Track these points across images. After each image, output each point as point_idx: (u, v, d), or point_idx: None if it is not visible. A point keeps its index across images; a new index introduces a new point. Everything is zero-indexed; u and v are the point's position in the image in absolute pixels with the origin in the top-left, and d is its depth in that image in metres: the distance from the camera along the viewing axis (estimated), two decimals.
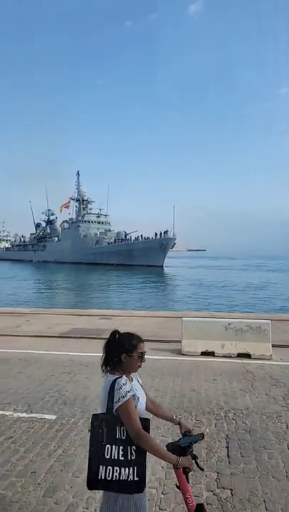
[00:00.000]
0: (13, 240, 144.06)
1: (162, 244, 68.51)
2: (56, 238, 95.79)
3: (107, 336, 2.48)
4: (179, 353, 8.78)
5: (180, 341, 9.00)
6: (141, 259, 68.06)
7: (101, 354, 2.46)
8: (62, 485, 3.77)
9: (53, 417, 5.39)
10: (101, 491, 2.34)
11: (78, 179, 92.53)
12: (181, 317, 10.76)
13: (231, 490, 3.69)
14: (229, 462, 4.21)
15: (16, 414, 5.46)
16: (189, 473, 2.31)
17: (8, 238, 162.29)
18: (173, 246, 72.03)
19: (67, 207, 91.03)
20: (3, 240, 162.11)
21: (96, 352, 8.66)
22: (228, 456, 4.34)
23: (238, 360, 8.30)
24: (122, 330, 2.30)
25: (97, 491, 3.56)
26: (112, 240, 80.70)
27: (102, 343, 2.49)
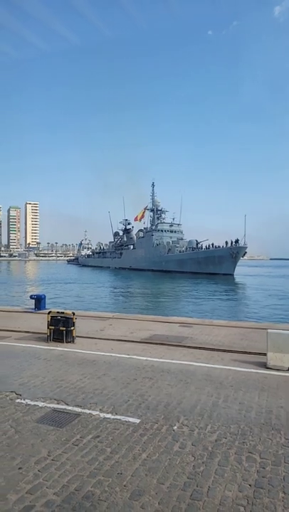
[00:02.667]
0: (94, 247, 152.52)
1: (233, 252, 68.05)
2: (132, 246, 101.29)
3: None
4: (264, 366, 8.37)
5: (264, 354, 8.58)
6: (212, 268, 68.07)
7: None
8: (147, 490, 3.81)
9: (137, 420, 5.48)
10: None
11: (153, 190, 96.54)
12: (264, 328, 10.28)
13: None
14: None
15: (102, 415, 5.66)
16: None
17: (90, 246, 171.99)
18: (244, 255, 71.56)
19: (142, 217, 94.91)
20: (85, 248, 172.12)
21: (176, 359, 8.73)
22: None
23: None
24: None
25: (182, 501, 3.54)
26: (184, 249, 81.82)
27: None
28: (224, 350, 9.74)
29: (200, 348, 9.96)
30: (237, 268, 71.45)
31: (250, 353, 9.51)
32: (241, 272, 76.83)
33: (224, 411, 5.89)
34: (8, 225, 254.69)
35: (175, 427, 5.27)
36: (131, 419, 5.52)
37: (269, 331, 8.67)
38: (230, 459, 4.46)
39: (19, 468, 4.14)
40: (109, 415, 5.66)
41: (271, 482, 4.00)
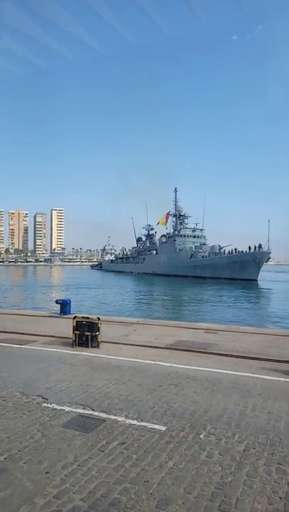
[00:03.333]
0: (117, 253, 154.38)
1: (256, 258, 67.31)
2: (154, 251, 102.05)
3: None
4: None
5: None
6: (235, 273, 67.12)
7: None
8: (174, 499, 3.75)
9: (163, 428, 5.43)
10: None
11: (176, 195, 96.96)
12: None
13: None
14: None
15: (127, 421, 5.64)
16: None
17: (112, 251, 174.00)
18: (268, 260, 71.29)
19: (166, 222, 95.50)
20: (108, 253, 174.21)
21: (202, 366, 8.61)
22: None
23: None
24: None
25: None
26: (207, 254, 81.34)
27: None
28: (252, 358, 9.54)
29: (226, 355, 9.79)
30: (262, 273, 70.63)
31: (278, 361, 9.27)
32: (267, 277, 75.67)
33: (252, 420, 5.75)
34: (35, 230, 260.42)
35: (202, 436, 5.19)
36: (157, 427, 5.47)
37: None
38: (260, 470, 4.34)
39: (46, 473, 4.17)
40: (134, 422, 5.64)
41: None
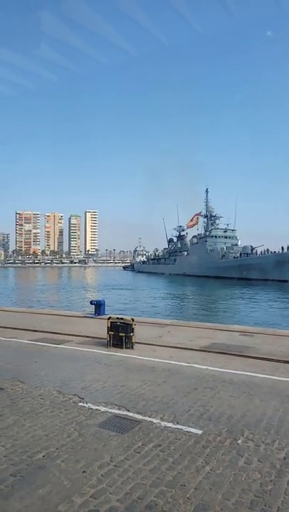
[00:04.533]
0: (149, 254, 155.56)
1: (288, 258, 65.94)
2: (186, 252, 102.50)
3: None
4: None
5: None
6: (266, 274, 65.73)
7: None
8: (212, 504, 3.67)
9: (199, 431, 5.35)
10: None
11: (207, 196, 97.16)
12: None
13: None
14: None
15: (163, 423, 5.60)
16: None
17: (144, 253, 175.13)
18: None
19: (193, 225, 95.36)
20: (140, 255, 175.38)
21: (239, 370, 8.42)
22: None
23: None
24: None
25: None
26: (238, 254, 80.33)
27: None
28: None
29: (263, 358, 9.52)
30: None
31: None
32: None
33: None
34: (69, 232, 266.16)
35: (239, 441, 5.06)
36: (193, 430, 5.39)
37: None
38: None
39: (83, 472, 4.21)
40: (170, 424, 5.59)
41: None
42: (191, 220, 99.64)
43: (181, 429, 5.43)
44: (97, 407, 6.19)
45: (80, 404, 6.34)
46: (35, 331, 13.26)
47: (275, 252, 71.25)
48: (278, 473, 4.28)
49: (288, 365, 9.04)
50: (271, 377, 8.03)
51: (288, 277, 65.45)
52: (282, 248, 68.90)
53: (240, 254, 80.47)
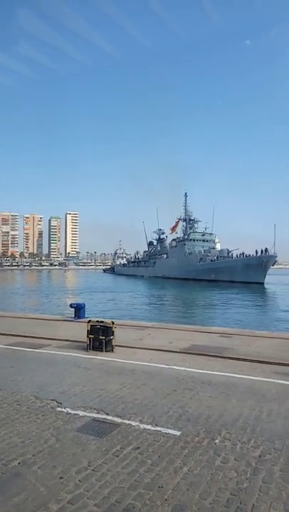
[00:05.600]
0: (130, 256, 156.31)
1: (262, 261, 68.72)
2: (165, 255, 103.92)
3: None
4: None
5: None
6: (242, 276, 67.94)
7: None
8: (189, 505, 3.71)
9: (178, 433, 5.39)
10: None
11: (186, 200, 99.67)
12: None
13: None
14: None
15: (142, 426, 5.62)
16: None
17: (124, 255, 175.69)
18: (274, 263, 73.11)
19: (174, 228, 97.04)
20: (120, 257, 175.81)
21: (217, 371, 8.53)
22: None
23: None
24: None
25: None
26: (216, 257, 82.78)
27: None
28: (266, 362, 9.41)
29: (241, 359, 9.68)
30: (274, 277, 71.17)
31: None
32: (278, 281, 75.92)
33: (268, 425, 5.67)
34: (49, 234, 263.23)
35: (217, 441, 5.13)
36: (171, 431, 5.43)
37: None
38: (275, 476, 4.27)
39: (60, 478, 4.17)
40: (149, 426, 5.61)
41: None
42: (174, 227, 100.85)
43: (159, 430, 5.46)
44: (75, 412, 6.15)
45: (58, 409, 6.29)
46: (13, 335, 13.04)
47: (249, 255, 73.63)
48: (254, 470, 4.37)
49: (265, 365, 9.22)
50: (248, 377, 8.16)
51: (262, 280, 67.79)
52: (256, 252, 71.43)
53: (218, 257, 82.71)
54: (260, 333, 14.72)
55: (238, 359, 9.70)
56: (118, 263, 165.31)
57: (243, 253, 76.94)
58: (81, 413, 6.10)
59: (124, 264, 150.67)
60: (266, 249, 69.57)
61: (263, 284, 67.55)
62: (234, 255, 79.85)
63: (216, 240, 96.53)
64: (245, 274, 67.71)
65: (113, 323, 11.01)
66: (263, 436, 5.29)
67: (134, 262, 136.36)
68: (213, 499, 3.81)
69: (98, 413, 6.11)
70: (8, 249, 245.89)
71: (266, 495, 3.88)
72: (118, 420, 5.82)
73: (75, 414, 6.07)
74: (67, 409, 6.28)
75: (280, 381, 7.92)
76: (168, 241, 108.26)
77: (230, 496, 3.86)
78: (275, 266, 75.45)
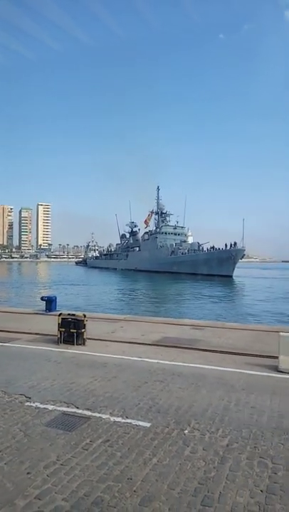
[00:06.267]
0: (103, 249, 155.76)
1: (231, 255, 70.24)
2: (137, 248, 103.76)
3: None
4: (275, 369, 8.23)
5: (276, 357, 8.45)
6: (212, 269, 69.23)
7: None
8: (158, 495, 3.75)
9: (147, 424, 5.43)
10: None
11: (158, 193, 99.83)
12: (276, 331, 10.13)
13: None
14: None
15: (112, 418, 5.62)
16: None
17: (96, 248, 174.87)
18: (242, 257, 75.30)
19: (146, 221, 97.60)
20: (92, 250, 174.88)
21: (188, 362, 8.64)
22: None
23: None
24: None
25: (193, 507, 3.47)
26: (187, 251, 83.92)
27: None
28: (236, 353, 9.62)
29: (212, 350, 9.84)
30: (244, 270, 72.95)
31: (262, 356, 9.37)
32: (250, 273, 77.83)
33: (236, 415, 5.80)
34: (20, 226, 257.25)
35: (186, 431, 5.20)
36: (141, 423, 5.46)
37: (281, 334, 8.54)
38: (242, 464, 4.38)
39: (28, 473, 4.11)
40: (119, 419, 5.62)
41: (283, 488, 3.91)
42: (147, 220, 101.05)
43: (130, 423, 5.48)
44: (44, 406, 6.07)
45: (27, 403, 6.18)
46: None
47: (219, 248, 74.91)
48: (221, 459, 4.46)
49: (234, 356, 9.43)
50: (218, 368, 8.32)
51: (230, 273, 69.48)
52: (226, 245, 72.70)
53: (189, 250, 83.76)
54: (231, 325, 15.03)
55: (209, 351, 9.86)
56: (90, 256, 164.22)
57: (213, 246, 78.37)
58: (50, 407, 6.03)
59: (96, 257, 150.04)
60: (235, 243, 71.02)
61: (231, 276, 69.01)
62: (204, 249, 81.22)
63: (189, 234, 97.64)
64: (215, 267, 69.06)
65: (85, 316, 10.92)
66: (231, 425, 5.41)
67: (106, 254, 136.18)
68: (182, 489, 3.86)
69: (68, 407, 6.06)
70: None
71: (233, 483, 3.97)
72: (88, 413, 5.79)
73: (44, 408, 5.99)
74: (36, 403, 6.19)
75: (249, 371, 8.12)
76: (140, 234, 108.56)
77: (198, 485, 3.93)
78: (244, 259, 77.25)
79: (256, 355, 9.42)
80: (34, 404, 6.13)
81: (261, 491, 3.84)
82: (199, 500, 3.66)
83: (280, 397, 6.60)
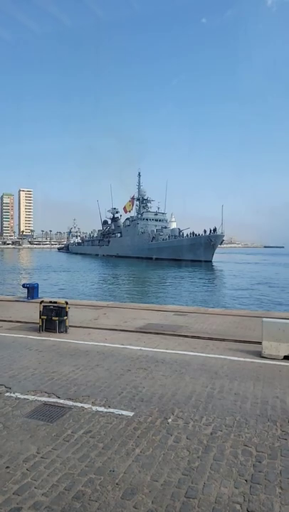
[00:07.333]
0: (85, 235, 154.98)
1: (211, 240, 70.99)
2: (119, 234, 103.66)
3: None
4: (259, 355, 8.27)
5: (259, 343, 8.47)
6: (192, 255, 70.04)
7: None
8: (140, 487, 3.66)
9: (130, 413, 5.33)
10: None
11: (139, 179, 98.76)
12: (259, 317, 10.19)
13: None
14: None
15: (94, 408, 5.51)
16: None
17: (79, 234, 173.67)
18: (222, 242, 76.66)
19: (126, 209, 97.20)
20: (74, 236, 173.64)
21: (172, 349, 8.58)
22: None
23: None
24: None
25: (176, 499, 3.40)
26: (167, 237, 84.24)
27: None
28: (219, 339, 9.63)
29: (195, 337, 9.83)
30: (229, 256, 73.90)
31: (245, 341, 9.40)
32: (232, 259, 79.50)
33: (219, 402, 5.76)
34: (1, 212, 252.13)
35: (169, 420, 5.13)
36: (124, 412, 5.37)
37: (264, 319, 8.55)
38: (226, 452, 4.33)
39: (6, 467, 3.96)
40: (102, 408, 5.51)
41: (268, 477, 3.88)
42: (126, 207, 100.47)
43: (112, 412, 5.38)
44: (25, 397, 5.90)
45: (7, 394, 6.01)
46: None
47: (199, 234, 75.49)
48: (205, 448, 4.40)
49: (217, 342, 9.43)
50: (201, 354, 8.30)
51: (210, 258, 70.79)
52: (205, 231, 73.36)
53: (169, 236, 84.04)
54: (214, 310, 15.09)
55: (192, 337, 9.83)
56: (73, 242, 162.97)
57: (192, 232, 78.94)
58: (31, 397, 5.87)
59: (78, 243, 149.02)
60: (215, 229, 71.67)
61: (211, 262, 70.09)
62: (185, 234, 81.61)
63: (172, 219, 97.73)
64: (195, 253, 69.80)
65: (67, 303, 10.73)
66: (215, 413, 5.37)
67: (88, 240, 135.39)
68: (165, 480, 3.79)
69: (49, 397, 5.92)
70: None
71: (217, 473, 3.92)
72: (70, 403, 5.66)
73: (24, 399, 5.83)
74: (16, 394, 6.02)
75: (232, 357, 8.12)
76: (122, 220, 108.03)
77: (182, 476, 3.86)
78: (228, 245, 78.25)
79: (239, 341, 9.45)
80: (14, 395, 5.96)
81: (246, 480, 3.79)
82: (183, 492, 3.59)
83: (263, 383, 6.61)
